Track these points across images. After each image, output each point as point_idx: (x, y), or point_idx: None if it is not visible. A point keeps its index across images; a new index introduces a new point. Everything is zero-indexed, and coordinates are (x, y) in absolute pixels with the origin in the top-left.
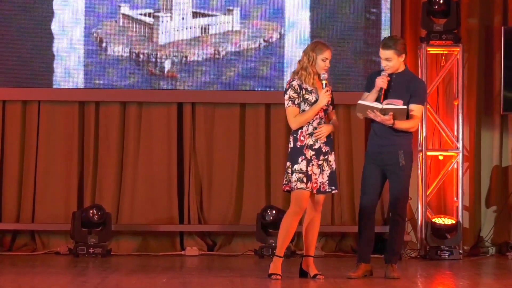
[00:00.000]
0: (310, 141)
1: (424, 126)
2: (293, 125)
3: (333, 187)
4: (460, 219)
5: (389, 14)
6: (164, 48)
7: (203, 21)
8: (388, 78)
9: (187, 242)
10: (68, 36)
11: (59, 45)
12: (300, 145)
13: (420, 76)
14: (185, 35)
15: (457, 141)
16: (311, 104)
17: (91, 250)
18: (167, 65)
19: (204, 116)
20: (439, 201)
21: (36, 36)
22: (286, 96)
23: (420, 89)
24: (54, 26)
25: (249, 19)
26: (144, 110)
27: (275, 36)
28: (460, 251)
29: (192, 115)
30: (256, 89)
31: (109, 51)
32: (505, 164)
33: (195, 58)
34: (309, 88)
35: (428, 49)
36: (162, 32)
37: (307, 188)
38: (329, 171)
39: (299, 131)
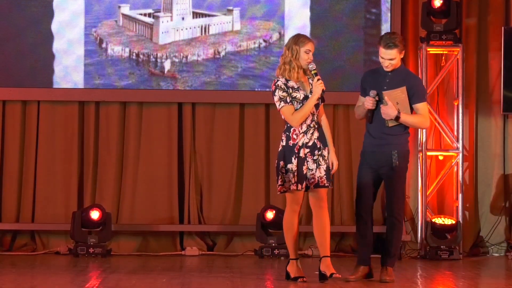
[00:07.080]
0: (305, 139)
1: None
2: (294, 123)
3: (330, 182)
4: (460, 219)
5: (389, 14)
6: (164, 48)
7: (203, 21)
8: (377, 98)
9: (187, 242)
10: (68, 36)
11: (59, 45)
12: (292, 144)
13: (420, 76)
14: (185, 35)
15: (457, 141)
16: (301, 102)
17: (91, 250)
18: (167, 65)
19: (204, 116)
20: (439, 201)
21: (36, 36)
22: (276, 98)
23: (418, 85)
24: (54, 26)
25: (249, 19)
26: (144, 110)
27: (275, 36)
28: (460, 251)
29: (192, 115)
30: (256, 89)
31: (109, 51)
32: (506, 164)
33: (195, 58)
34: (295, 86)
35: (428, 49)
36: (162, 32)
37: (301, 188)
38: (325, 165)
39: (292, 129)
